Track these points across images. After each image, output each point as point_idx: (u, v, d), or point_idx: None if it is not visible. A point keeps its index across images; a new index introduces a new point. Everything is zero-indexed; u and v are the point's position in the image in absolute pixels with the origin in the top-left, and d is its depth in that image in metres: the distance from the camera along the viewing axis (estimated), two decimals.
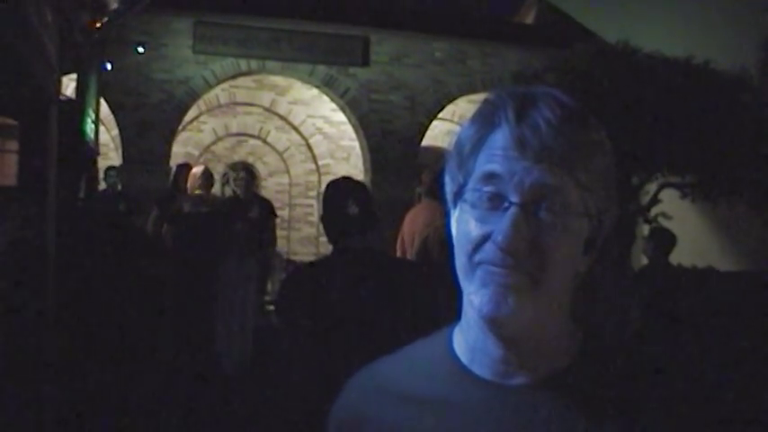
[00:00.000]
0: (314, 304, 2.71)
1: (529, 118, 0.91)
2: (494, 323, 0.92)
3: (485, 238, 0.91)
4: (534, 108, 0.92)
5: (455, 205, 0.99)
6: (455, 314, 1.04)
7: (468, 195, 0.93)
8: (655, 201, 7.66)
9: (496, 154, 0.91)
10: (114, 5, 5.81)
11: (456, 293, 1.03)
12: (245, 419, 5.37)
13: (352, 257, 2.83)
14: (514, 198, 0.89)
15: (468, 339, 1.00)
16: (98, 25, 5.67)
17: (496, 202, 0.91)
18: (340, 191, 2.94)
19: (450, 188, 1.00)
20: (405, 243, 4.99)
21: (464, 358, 1.00)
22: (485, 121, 0.94)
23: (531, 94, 0.94)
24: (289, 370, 2.85)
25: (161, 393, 5.45)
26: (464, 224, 0.94)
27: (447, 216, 1.05)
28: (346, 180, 3.08)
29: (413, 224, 4.95)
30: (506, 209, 0.89)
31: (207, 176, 7.06)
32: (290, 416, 2.88)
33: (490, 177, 0.91)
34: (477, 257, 0.91)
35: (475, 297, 0.92)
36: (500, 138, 0.92)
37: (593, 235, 0.94)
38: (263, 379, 5.83)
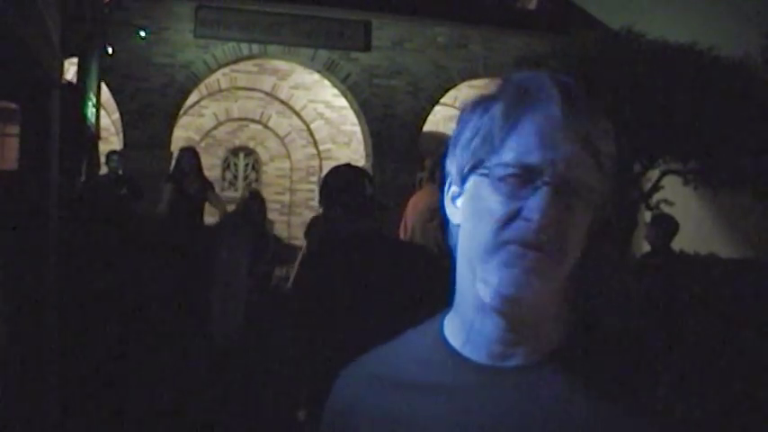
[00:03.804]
0: (332, 285, 2.70)
1: (571, 100, 0.92)
2: (509, 303, 0.91)
3: (513, 216, 0.90)
4: (572, 92, 0.93)
5: (464, 181, 0.97)
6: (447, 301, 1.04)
7: (496, 170, 0.92)
8: (657, 187, 7.66)
9: (532, 138, 0.91)
10: None
11: (450, 280, 1.02)
12: (237, 391, 5.42)
13: (369, 239, 2.82)
14: (548, 177, 0.89)
15: (464, 322, 0.99)
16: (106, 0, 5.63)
17: (526, 178, 0.90)
18: (356, 173, 2.92)
19: (461, 162, 0.98)
20: (407, 228, 4.99)
21: (456, 343, 1.00)
22: (520, 100, 0.93)
23: (560, 79, 0.95)
24: (293, 342, 2.85)
25: (157, 367, 5.48)
26: (484, 200, 0.93)
27: (441, 194, 1.04)
28: (351, 165, 3.07)
29: (415, 209, 4.95)
30: (537, 187, 0.89)
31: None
32: (283, 389, 2.89)
33: (527, 162, 0.91)
34: (504, 236, 0.90)
35: (493, 276, 0.91)
36: (539, 118, 0.92)
37: (595, 220, 0.95)
38: (255, 351, 5.89)
